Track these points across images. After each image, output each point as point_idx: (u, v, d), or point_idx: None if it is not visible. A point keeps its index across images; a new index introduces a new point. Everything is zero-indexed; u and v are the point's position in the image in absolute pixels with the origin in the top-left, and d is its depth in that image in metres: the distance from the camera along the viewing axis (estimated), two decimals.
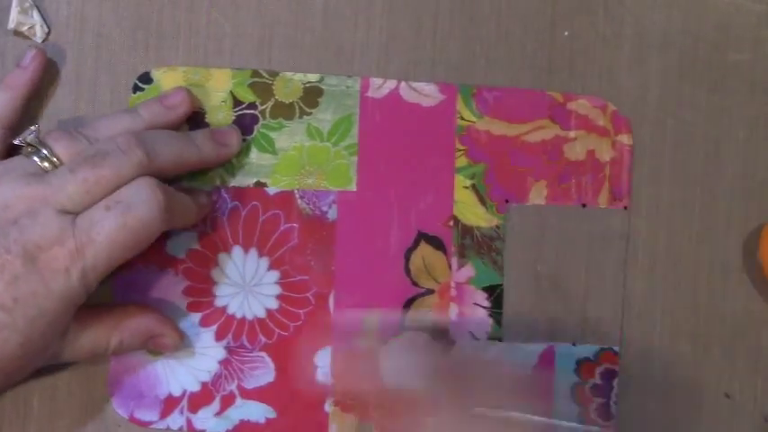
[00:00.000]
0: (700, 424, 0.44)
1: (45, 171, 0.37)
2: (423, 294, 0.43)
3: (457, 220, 0.43)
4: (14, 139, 0.38)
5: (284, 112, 0.42)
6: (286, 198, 0.42)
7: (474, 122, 0.43)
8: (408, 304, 0.42)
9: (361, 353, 0.42)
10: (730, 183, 0.44)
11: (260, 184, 0.42)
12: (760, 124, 0.45)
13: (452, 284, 0.43)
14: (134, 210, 0.36)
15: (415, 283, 0.43)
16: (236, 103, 0.42)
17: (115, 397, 0.41)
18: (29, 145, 0.38)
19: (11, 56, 0.42)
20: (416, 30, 0.43)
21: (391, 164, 0.43)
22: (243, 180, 0.42)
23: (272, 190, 0.42)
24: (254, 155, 0.42)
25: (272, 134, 0.42)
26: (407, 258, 0.43)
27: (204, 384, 0.42)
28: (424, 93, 0.43)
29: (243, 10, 0.43)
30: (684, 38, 0.44)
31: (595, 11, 0.44)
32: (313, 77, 0.43)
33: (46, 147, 0.37)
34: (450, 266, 0.43)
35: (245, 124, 0.42)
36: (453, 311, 0.43)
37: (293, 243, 0.42)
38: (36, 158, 0.37)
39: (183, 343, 0.41)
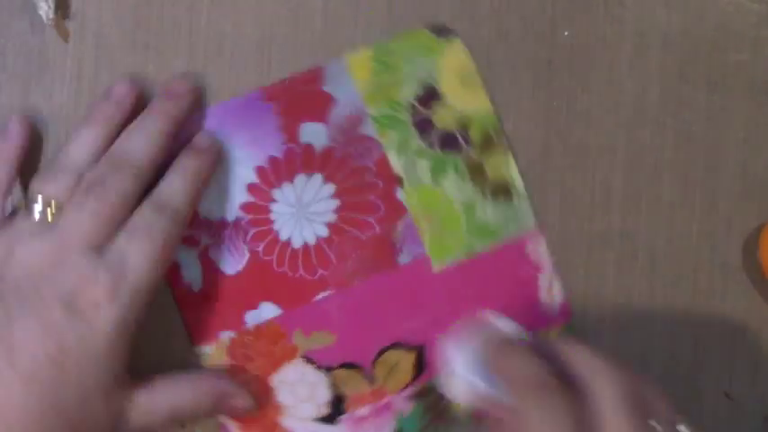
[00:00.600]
0: (700, 424, 0.44)
1: (49, 220, 0.36)
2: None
3: None
4: (7, 205, 0.38)
5: None
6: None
7: None
8: None
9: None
10: (730, 183, 0.44)
11: None
12: (760, 124, 0.45)
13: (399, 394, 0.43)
14: (153, 231, 0.36)
15: None
16: None
17: None
18: (22, 204, 0.37)
19: (11, 55, 0.42)
20: (416, 30, 0.43)
21: None
22: None
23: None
24: None
25: None
26: None
27: None
28: None
29: (243, 10, 0.43)
30: (684, 38, 0.44)
31: (595, 11, 0.44)
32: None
33: (38, 195, 0.37)
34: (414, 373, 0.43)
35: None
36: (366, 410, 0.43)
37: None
38: (35, 208, 0.37)
39: (255, 406, 0.41)
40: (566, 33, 0.44)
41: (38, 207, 0.37)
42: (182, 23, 0.43)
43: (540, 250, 0.43)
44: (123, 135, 0.39)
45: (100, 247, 0.36)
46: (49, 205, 0.37)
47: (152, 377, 0.38)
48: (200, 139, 0.41)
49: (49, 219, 0.36)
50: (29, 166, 0.41)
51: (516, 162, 0.43)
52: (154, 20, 0.43)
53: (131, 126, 0.39)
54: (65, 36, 0.42)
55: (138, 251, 0.36)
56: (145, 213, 0.37)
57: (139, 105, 0.40)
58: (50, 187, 0.37)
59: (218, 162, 0.41)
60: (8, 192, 0.39)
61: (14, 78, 0.42)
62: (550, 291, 0.43)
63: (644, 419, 0.32)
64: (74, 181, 0.37)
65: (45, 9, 0.41)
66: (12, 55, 0.42)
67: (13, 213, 0.38)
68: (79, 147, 0.38)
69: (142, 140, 0.38)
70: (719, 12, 0.45)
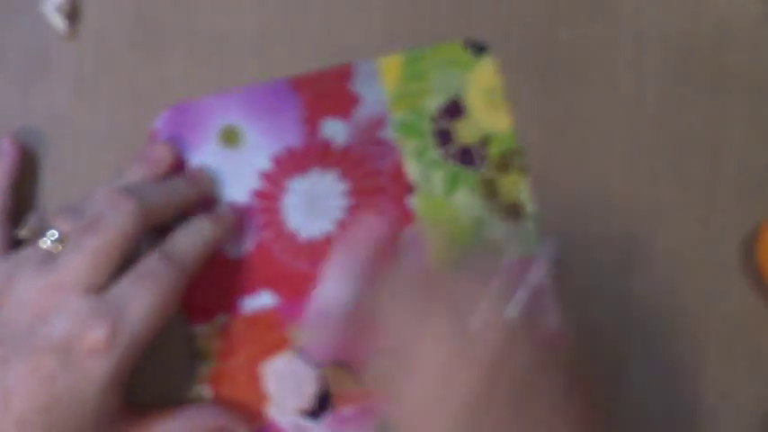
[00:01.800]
0: (700, 424, 0.44)
1: (55, 252, 0.36)
2: None
3: None
4: (19, 230, 0.38)
5: None
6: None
7: None
8: None
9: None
10: (730, 183, 0.44)
11: None
12: (760, 124, 0.44)
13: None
14: (159, 280, 0.36)
15: None
16: None
17: None
18: (36, 232, 0.37)
19: (11, 55, 0.42)
20: (416, 30, 0.43)
21: None
22: None
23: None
24: None
25: None
26: None
27: None
28: None
29: (243, 10, 0.43)
30: (684, 38, 0.44)
31: (595, 11, 0.44)
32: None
33: (51, 228, 0.37)
34: None
35: None
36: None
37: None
38: (43, 241, 0.37)
39: None
40: (566, 33, 0.44)
41: (45, 240, 0.37)
42: (182, 23, 0.43)
43: (540, 275, 0.43)
44: (142, 183, 0.39)
45: (99, 287, 0.36)
46: (59, 240, 0.36)
47: (147, 413, 0.38)
48: (221, 208, 0.42)
49: (54, 251, 0.36)
50: (28, 178, 0.41)
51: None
52: (154, 20, 0.43)
53: (148, 180, 0.40)
54: (73, 39, 0.42)
55: (141, 299, 0.35)
56: (152, 260, 0.37)
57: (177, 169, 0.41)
58: (61, 222, 0.37)
59: (230, 234, 0.41)
60: (5, 214, 0.39)
61: (14, 78, 0.42)
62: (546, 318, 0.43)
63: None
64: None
65: (59, 23, 0.41)
66: (12, 55, 0.42)
67: (25, 241, 0.38)
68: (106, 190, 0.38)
69: (153, 191, 0.39)
70: (719, 12, 0.44)
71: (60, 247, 0.36)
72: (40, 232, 0.37)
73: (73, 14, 0.42)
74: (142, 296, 0.35)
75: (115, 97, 0.43)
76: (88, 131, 0.43)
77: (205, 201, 0.42)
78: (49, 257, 0.36)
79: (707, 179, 0.44)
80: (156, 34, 0.43)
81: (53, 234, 0.37)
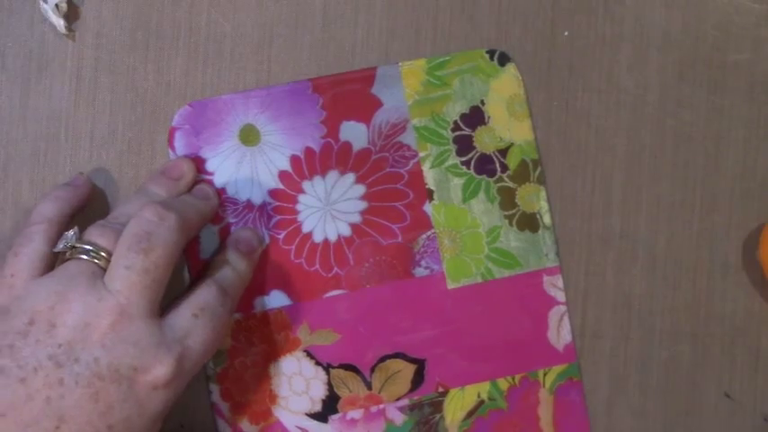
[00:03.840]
0: (700, 424, 0.44)
1: (101, 267, 0.35)
2: None
3: None
4: (60, 243, 0.37)
5: None
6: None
7: None
8: None
9: None
10: (730, 183, 0.44)
11: None
12: (760, 124, 0.44)
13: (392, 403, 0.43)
14: (216, 314, 0.36)
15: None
16: None
17: None
18: (73, 248, 0.36)
19: (11, 55, 0.42)
20: (416, 30, 0.43)
21: None
22: None
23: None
24: None
25: None
26: None
27: None
28: None
29: (243, 10, 0.43)
30: (684, 38, 0.44)
31: (595, 11, 0.44)
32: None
33: (89, 243, 0.36)
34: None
35: None
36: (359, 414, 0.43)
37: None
38: (85, 257, 0.36)
39: None
40: (566, 33, 0.44)
41: (86, 255, 0.36)
42: (182, 23, 0.43)
43: (556, 286, 0.43)
44: (174, 198, 0.40)
45: (156, 311, 0.35)
46: (98, 254, 0.36)
47: None
48: (256, 237, 0.42)
49: (103, 266, 0.36)
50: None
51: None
52: (154, 20, 0.43)
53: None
54: (72, 38, 0.42)
55: (201, 336, 0.36)
56: (211, 294, 0.37)
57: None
58: (103, 239, 0.36)
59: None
60: (59, 224, 0.38)
61: (14, 78, 0.42)
62: (559, 328, 0.43)
63: None
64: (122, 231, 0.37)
65: (59, 23, 0.41)
66: (12, 55, 0.42)
67: (62, 255, 0.37)
68: (133, 208, 0.38)
69: (187, 204, 0.39)
70: (719, 12, 0.44)
71: (99, 262, 0.36)
72: (79, 246, 0.36)
73: (72, 14, 0.42)
74: (201, 332, 0.36)
75: (115, 97, 0.42)
76: (88, 131, 0.42)
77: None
78: (98, 275, 0.35)
79: (707, 179, 0.44)
80: (156, 34, 0.43)
81: (93, 248, 0.36)
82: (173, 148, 0.42)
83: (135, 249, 0.35)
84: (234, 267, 0.40)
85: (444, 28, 0.43)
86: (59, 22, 0.41)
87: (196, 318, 0.36)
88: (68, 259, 0.36)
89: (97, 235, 0.36)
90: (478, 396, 0.43)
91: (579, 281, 0.44)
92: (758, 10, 0.45)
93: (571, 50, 0.44)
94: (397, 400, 0.42)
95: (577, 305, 0.44)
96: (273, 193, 0.42)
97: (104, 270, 0.36)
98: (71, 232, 0.37)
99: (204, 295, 0.37)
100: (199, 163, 0.42)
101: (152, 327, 0.35)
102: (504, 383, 0.43)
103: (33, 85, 0.42)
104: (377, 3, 0.43)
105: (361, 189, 0.42)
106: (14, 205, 0.42)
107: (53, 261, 0.37)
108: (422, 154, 0.42)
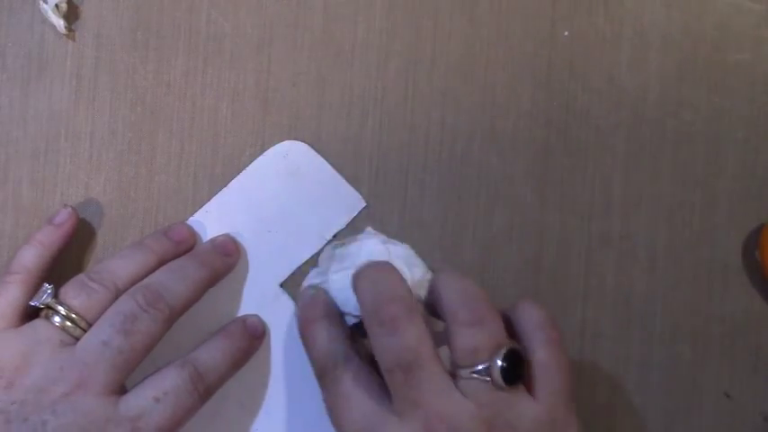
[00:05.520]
0: (700, 424, 0.44)
1: (72, 335, 0.35)
2: None
3: None
4: (35, 299, 0.37)
5: None
6: None
7: None
8: None
9: None
10: (730, 183, 0.44)
11: None
12: (760, 124, 0.44)
13: None
14: (181, 401, 0.35)
15: None
16: None
17: None
18: (47, 307, 0.36)
19: (11, 55, 0.42)
20: (416, 30, 0.43)
21: None
22: None
23: None
24: None
25: None
26: None
27: None
28: None
29: (243, 10, 0.43)
30: (684, 38, 0.44)
31: (595, 11, 0.44)
32: None
33: (63, 305, 0.36)
34: None
35: None
36: None
37: None
38: (57, 321, 0.36)
39: None
40: (566, 33, 0.44)
41: (59, 318, 0.36)
42: (182, 23, 0.43)
43: None
44: (164, 272, 0.38)
45: (119, 388, 0.35)
46: (72, 320, 0.36)
47: None
48: (255, 323, 0.41)
49: (74, 335, 0.35)
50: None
51: (517, 161, 0.43)
52: (154, 20, 0.43)
53: (174, 265, 0.39)
54: (72, 38, 0.42)
55: (157, 420, 0.35)
56: (181, 378, 0.36)
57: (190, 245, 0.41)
58: (80, 301, 0.36)
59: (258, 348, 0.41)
60: (39, 276, 0.38)
61: (14, 78, 0.42)
62: None
63: None
64: (106, 299, 0.36)
65: (58, 23, 0.41)
66: (12, 55, 0.42)
67: (37, 310, 0.37)
68: (122, 266, 0.38)
69: (182, 285, 0.38)
70: (719, 12, 0.44)
71: (71, 325, 0.36)
72: (53, 307, 0.36)
73: (72, 14, 0.42)
74: (158, 417, 0.35)
75: (115, 97, 0.42)
76: (88, 131, 0.42)
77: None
78: (66, 342, 0.35)
79: (707, 179, 0.44)
80: (156, 34, 0.43)
81: (67, 312, 0.36)
82: None
83: (117, 328, 0.35)
84: (225, 351, 0.38)
85: (444, 28, 0.43)
86: (59, 23, 0.41)
87: (157, 401, 0.35)
88: (42, 317, 0.36)
89: (74, 296, 0.36)
90: None
91: (579, 281, 0.44)
92: (758, 10, 0.45)
93: (571, 50, 0.44)
94: None
95: (577, 305, 0.44)
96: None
97: (75, 338, 0.36)
98: (46, 292, 0.37)
99: (173, 378, 0.36)
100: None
101: (106, 402, 0.34)
102: None
103: (33, 85, 0.42)
104: (377, 3, 0.43)
105: None
106: (14, 205, 0.42)
107: (30, 309, 0.37)
108: None
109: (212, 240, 0.41)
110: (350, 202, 0.43)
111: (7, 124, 0.42)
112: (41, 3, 0.41)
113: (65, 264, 0.41)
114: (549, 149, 0.44)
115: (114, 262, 0.38)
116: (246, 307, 0.42)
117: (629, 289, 0.44)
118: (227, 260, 0.41)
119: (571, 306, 0.44)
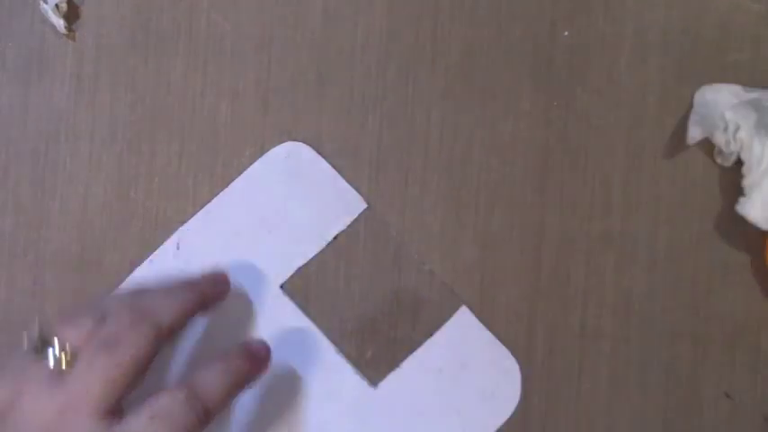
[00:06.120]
0: (700, 424, 0.44)
1: (63, 368, 0.35)
2: None
3: None
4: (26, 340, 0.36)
5: None
6: None
7: None
8: None
9: None
10: (730, 182, 0.44)
11: None
12: None
13: None
14: (177, 421, 0.34)
15: None
16: None
17: None
18: (38, 344, 0.35)
19: (11, 55, 0.42)
20: (416, 30, 0.43)
21: None
22: None
23: None
24: None
25: None
26: None
27: None
28: None
29: (243, 10, 0.43)
30: (684, 38, 0.44)
31: (595, 11, 0.44)
32: None
33: (51, 342, 0.35)
34: None
35: None
36: None
37: None
38: (49, 355, 0.35)
39: None
40: (566, 33, 0.44)
41: (51, 351, 0.35)
42: (182, 23, 0.43)
43: None
44: (155, 295, 0.37)
45: (111, 410, 0.34)
46: (64, 351, 0.35)
47: None
48: (257, 346, 0.39)
49: (63, 367, 0.35)
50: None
51: (517, 161, 0.43)
52: (154, 20, 0.43)
53: (165, 289, 0.38)
54: (72, 38, 0.42)
55: None
56: (176, 401, 0.35)
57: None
58: (70, 332, 0.35)
59: (264, 373, 0.39)
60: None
61: (14, 78, 0.42)
62: None
63: None
64: (94, 327, 0.35)
65: (59, 23, 0.41)
66: (12, 55, 0.42)
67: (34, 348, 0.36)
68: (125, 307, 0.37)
69: (173, 304, 0.37)
70: (719, 11, 0.44)
71: (66, 357, 0.35)
72: (44, 344, 0.35)
73: (72, 14, 0.42)
74: None
75: (115, 97, 0.42)
76: (88, 131, 0.43)
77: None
78: (59, 375, 0.35)
79: (707, 179, 0.44)
80: (156, 34, 0.43)
81: (58, 343, 0.35)
82: None
83: (101, 350, 0.35)
84: (223, 372, 0.37)
85: (444, 28, 0.44)
86: (59, 23, 0.41)
87: (152, 420, 0.34)
88: (37, 353, 0.35)
89: (64, 331, 0.35)
90: None
91: (579, 281, 0.44)
92: (758, 10, 0.45)
93: (571, 50, 0.44)
94: None
95: (577, 305, 0.44)
96: None
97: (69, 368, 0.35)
98: (36, 328, 0.36)
99: (166, 401, 0.35)
100: None
101: (98, 421, 0.34)
102: None
103: (33, 85, 0.42)
104: (377, 3, 0.43)
105: None
106: (14, 205, 0.42)
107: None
108: None
109: (203, 273, 0.41)
110: (350, 203, 0.43)
111: (7, 124, 0.42)
112: (42, 3, 0.41)
113: (65, 263, 0.41)
114: (549, 149, 0.44)
115: (107, 299, 0.38)
116: (247, 308, 0.42)
117: (629, 289, 0.44)
118: (217, 284, 0.40)
119: (571, 306, 0.44)
